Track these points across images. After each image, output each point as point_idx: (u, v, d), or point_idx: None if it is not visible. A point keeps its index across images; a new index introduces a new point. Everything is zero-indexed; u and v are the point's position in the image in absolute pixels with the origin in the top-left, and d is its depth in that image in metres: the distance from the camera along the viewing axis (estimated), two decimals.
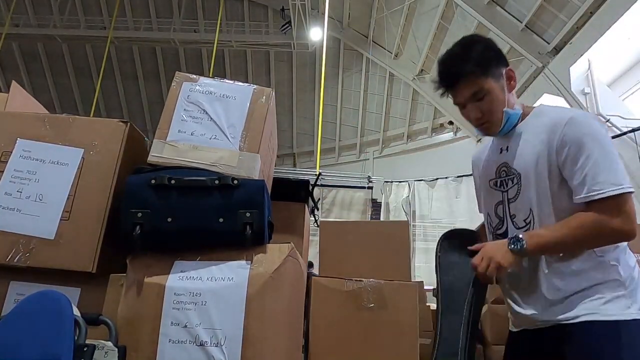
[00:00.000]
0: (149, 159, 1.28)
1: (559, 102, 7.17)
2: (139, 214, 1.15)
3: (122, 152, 1.35)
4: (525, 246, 1.10)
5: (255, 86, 1.42)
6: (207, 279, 1.11)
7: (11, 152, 1.32)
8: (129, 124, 1.39)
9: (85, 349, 0.97)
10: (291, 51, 11.67)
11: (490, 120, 1.24)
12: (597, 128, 1.13)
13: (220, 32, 11.02)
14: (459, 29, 8.82)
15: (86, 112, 12.35)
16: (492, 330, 3.15)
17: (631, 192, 1.05)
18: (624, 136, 6.13)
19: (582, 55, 6.57)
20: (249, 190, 1.16)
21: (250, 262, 1.12)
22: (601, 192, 1.05)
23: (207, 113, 1.32)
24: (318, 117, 9.93)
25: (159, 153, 1.28)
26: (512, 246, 1.11)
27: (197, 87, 1.37)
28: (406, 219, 8.20)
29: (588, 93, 6.76)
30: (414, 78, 10.67)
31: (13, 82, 1.78)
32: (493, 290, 3.34)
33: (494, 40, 1.34)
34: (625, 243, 1.13)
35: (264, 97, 1.37)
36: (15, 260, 1.22)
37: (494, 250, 1.13)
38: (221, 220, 1.13)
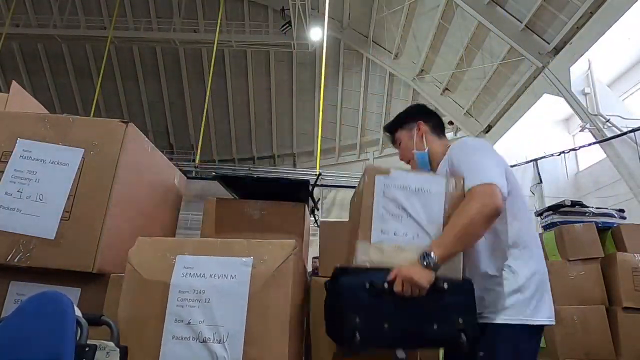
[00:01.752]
0: (357, 260, 1.23)
1: (559, 102, 7.17)
2: (357, 319, 1.12)
3: (122, 152, 1.35)
4: (434, 257, 1.15)
5: (447, 177, 1.35)
6: (210, 275, 1.12)
7: (11, 152, 1.32)
8: (128, 124, 1.39)
9: (86, 349, 0.97)
10: (291, 51, 11.66)
11: (409, 159, 1.58)
12: (471, 143, 1.40)
13: (221, 32, 11.02)
14: (459, 29, 8.82)
15: (86, 112, 12.36)
16: None
17: (491, 183, 1.22)
18: (624, 136, 6.12)
19: (582, 55, 6.57)
20: (459, 294, 1.17)
21: (253, 258, 1.13)
22: (469, 185, 1.25)
23: (405, 210, 1.27)
24: (318, 117, 9.93)
25: (366, 255, 1.24)
26: (424, 262, 1.15)
27: (392, 182, 1.31)
28: None
29: (588, 93, 6.75)
30: (414, 78, 10.66)
31: (13, 82, 1.78)
32: None
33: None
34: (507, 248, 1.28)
35: (455, 185, 1.32)
36: (15, 260, 1.22)
37: (409, 271, 1.14)
38: (435, 326, 1.13)
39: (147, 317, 1.10)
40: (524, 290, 1.23)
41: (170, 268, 1.13)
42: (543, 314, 1.23)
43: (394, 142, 1.65)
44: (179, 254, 1.15)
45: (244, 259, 1.14)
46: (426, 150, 1.53)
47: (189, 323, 1.08)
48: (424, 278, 1.13)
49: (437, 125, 1.61)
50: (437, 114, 1.67)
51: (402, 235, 1.25)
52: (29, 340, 0.92)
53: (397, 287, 1.13)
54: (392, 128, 1.66)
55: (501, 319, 1.20)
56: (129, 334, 1.07)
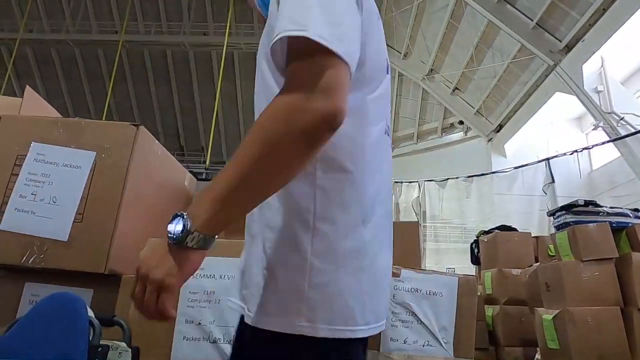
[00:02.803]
0: None
1: (572, 100, 7.07)
2: None
3: (133, 154, 1.36)
4: (190, 227, 0.58)
5: (459, 276, 1.25)
6: (220, 276, 1.14)
7: (26, 155, 1.34)
8: (139, 127, 1.40)
9: (99, 349, 0.98)
10: None
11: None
12: None
13: (230, 35, 11.08)
14: (468, 28, 8.75)
15: (98, 115, 12.52)
16: (504, 331, 3.12)
17: (332, 50, 0.58)
18: (639, 134, 6.01)
19: (594, 52, 6.46)
20: None
21: None
22: (275, 37, 0.60)
23: (416, 316, 1.22)
24: None
25: None
26: (174, 238, 0.59)
27: (403, 285, 1.25)
28: (416, 220, 8.15)
29: (601, 91, 6.64)
30: (424, 78, 10.60)
31: (27, 86, 1.81)
32: (506, 290, 3.30)
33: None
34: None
35: (471, 287, 1.28)
36: (30, 262, 1.24)
37: (149, 262, 0.59)
38: None
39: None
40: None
41: None
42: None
43: None
44: None
45: None
46: None
47: (200, 324, 1.10)
48: (170, 270, 0.59)
49: None
50: None
51: (412, 344, 1.18)
52: (42, 339, 0.93)
53: (137, 294, 0.59)
54: None
55: None
56: (141, 335, 1.09)
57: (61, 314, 0.98)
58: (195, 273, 1.04)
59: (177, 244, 0.59)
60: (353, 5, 0.65)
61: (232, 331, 1.08)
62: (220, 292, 1.12)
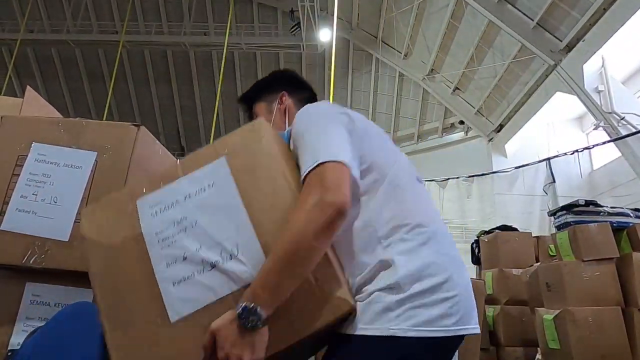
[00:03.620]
0: None
1: (572, 100, 7.07)
2: None
3: (134, 155, 1.36)
4: (261, 312, 0.77)
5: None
6: (185, 198, 0.93)
7: (27, 155, 1.34)
8: (140, 127, 1.40)
9: None
10: (301, 52, 11.68)
11: None
12: (306, 113, 0.99)
13: (230, 35, 11.08)
14: (469, 28, 8.75)
15: (99, 115, 12.53)
16: (505, 331, 3.12)
17: (330, 161, 0.85)
18: (639, 134, 6.02)
19: (595, 52, 6.46)
20: None
21: (225, 155, 0.95)
22: (303, 173, 0.88)
23: None
24: None
25: None
26: (247, 323, 0.77)
27: None
28: None
29: (602, 91, 6.63)
30: (424, 78, 10.61)
31: (28, 87, 1.81)
32: (507, 290, 3.30)
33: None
34: (393, 232, 0.88)
35: (479, 290, 1.16)
36: (31, 262, 1.24)
37: (232, 340, 0.77)
38: None
39: (136, 282, 0.89)
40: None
41: (134, 217, 0.94)
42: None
43: (252, 117, 1.29)
44: (137, 199, 0.96)
45: (214, 162, 0.95)
46: (286, 131, 1.13)
47: (185, 258, 0.88)
48: (252, 347, 0.77)
49: (308, 98, 1.28)
50: (309, 86, 1.34)
51: None
52: (63, 347, 0.94)
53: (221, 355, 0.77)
54: (249, 100, 1.32)
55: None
56: (125, 311, 0.89)
57: (83, 323, 0.99)
58: (152, 211, 0.96)
59: (252, 327, 0.78)
60: (343, 133, 0.93)
61: (228, 245, 0.86)
62: (192, 213, 0.91)
